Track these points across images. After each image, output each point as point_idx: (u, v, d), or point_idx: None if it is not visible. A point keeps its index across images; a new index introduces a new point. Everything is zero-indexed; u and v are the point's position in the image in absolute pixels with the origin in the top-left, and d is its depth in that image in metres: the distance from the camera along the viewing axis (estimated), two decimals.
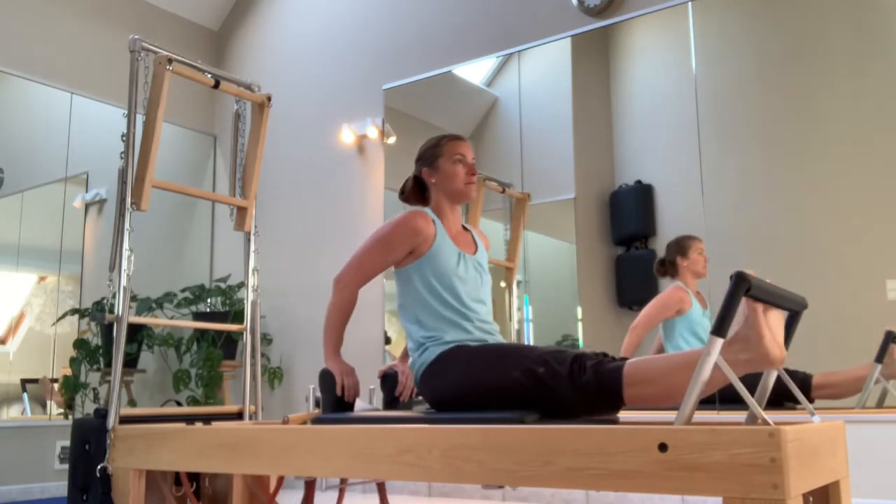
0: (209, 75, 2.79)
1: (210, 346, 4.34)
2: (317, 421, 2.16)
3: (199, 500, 2.60)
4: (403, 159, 4.28)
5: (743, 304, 1.58)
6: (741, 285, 1.44)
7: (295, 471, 1.90)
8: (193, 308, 4.61)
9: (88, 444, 2.43)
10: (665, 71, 3.51)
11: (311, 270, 4.60)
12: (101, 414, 2.40)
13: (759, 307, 1.57)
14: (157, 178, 2.62)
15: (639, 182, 3.52)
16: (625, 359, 1.87)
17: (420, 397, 2.27)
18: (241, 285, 4.56)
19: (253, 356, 2.94)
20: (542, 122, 3.85)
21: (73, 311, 4.27)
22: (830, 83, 3.11)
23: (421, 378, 2.14)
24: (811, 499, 1.66)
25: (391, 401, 2.35)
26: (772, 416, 1.68)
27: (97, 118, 4.58)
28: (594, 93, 3.71)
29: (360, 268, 2.24)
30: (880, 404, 2.86)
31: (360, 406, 2.29)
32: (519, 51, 3.96)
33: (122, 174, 2.55)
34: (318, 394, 2.33)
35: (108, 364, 4.10)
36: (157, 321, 2.86)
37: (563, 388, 1.86)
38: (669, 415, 1.94)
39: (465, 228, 2.38)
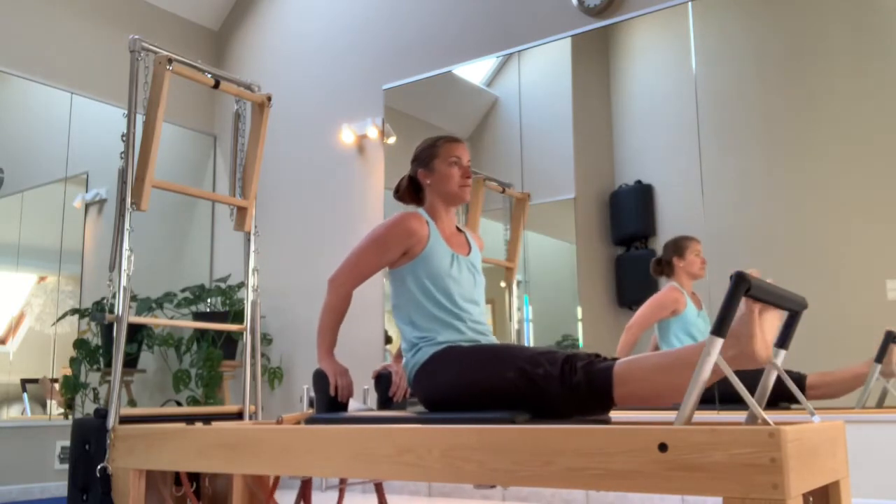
0: (209, 75, 2.79)
1: (210, 346, 4.34)
2: (310, 421, 2.16)
3: (199, 500, 2.60)
4: (403, 159, 4.27)
5: (742, 304, 1.58)
6: (741, 285, 1.44)
7: (295, 471, 1.90)
8: (193, 308, 4.61)
9: (88, 444, 2.43)
10: (665, 71, 3.51)
11: (311, 270, 4.60)
12: (101, 414, 2.40)
13: (757, 307, 1.57)
14: (157, 178, 2.62)
15: (639, 182, 3.52)
16: (616, 359, 1.87)
17: (413, 397, 2.27)
18: (241, 285, 4.56)
19: (253, 356, 2.94)
20: (542, 122, 3.85)
21: (73, 311, 4.27)
22: (830, 83, 3.11)
23: (414, 378, 2.14)
24: (811, 499, 1.66)
25: (385, 401, 2.35)
26: (771, 417, 1.68)
27: (97, 118, 4.58)
28: (594, 93, 3.71)
29: (355, 268, 2.24)
30: (880, 404, 2.86)
31: (354, 406, 2.29)
32: (519, 51, 3.96)
33: (122, 174, 2.55)
34: (312, 394, 2.33)
35: (108, 364, 4.10)
36: (157, 321, 2.86)
37: (554, 388, 1.86)
38: (669, 415, 1.94)
39: (458, 230, 2.39)
